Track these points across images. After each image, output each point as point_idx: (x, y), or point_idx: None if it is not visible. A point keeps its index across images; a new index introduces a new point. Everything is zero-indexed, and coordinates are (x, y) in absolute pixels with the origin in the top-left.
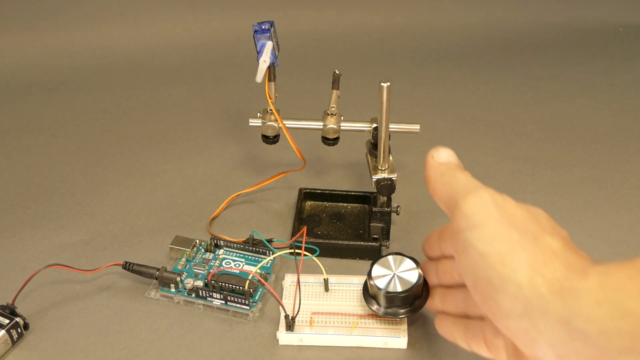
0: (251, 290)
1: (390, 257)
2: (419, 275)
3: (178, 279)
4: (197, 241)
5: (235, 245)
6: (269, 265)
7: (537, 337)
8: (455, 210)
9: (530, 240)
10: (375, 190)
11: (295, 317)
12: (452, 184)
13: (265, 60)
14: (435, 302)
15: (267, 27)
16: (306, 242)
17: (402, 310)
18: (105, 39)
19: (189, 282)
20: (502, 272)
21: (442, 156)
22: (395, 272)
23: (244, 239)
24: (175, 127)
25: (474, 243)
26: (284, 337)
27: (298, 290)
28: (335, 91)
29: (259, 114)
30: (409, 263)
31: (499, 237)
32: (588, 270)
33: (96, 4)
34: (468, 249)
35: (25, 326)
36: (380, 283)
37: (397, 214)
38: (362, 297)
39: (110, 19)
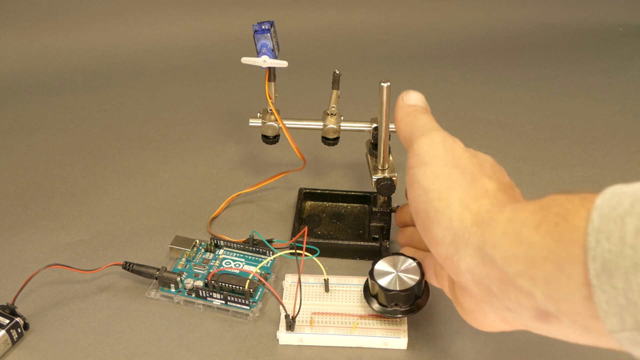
0: (251, 290)
1: (392, 257)
2: (420, 276)
3: (178, 279)
4: (197, 241)
5: (235, 245)
6: (269, 265)
7: (459, 262)
8: (410, 148)
9: (468, 180)
10: (375, 190)
11: (296, 317)
12: (413, 124)
13: (265, 61)
14: (404, 238)
15: (267, 27)
16: (306, 243)
17: (402, 310)
18: (105, 39)
19: (189, 282)
20: (438, 206)
21: (411, 98)
22: (397, 272)
23: (244, 239)
24: (175, 127)
25: (419, 179)
26: (284, 337)
27: (299, 290)
28: (335, 91)
29: (258, 114)
30: (410, 263)
31: (441, 175)
32: (507, 206)
33: (96, 4)
34: (414, 184)
35: (25, 326)
36: (382, 282)
37: None
38: (363, 296)
39: (110, 19)
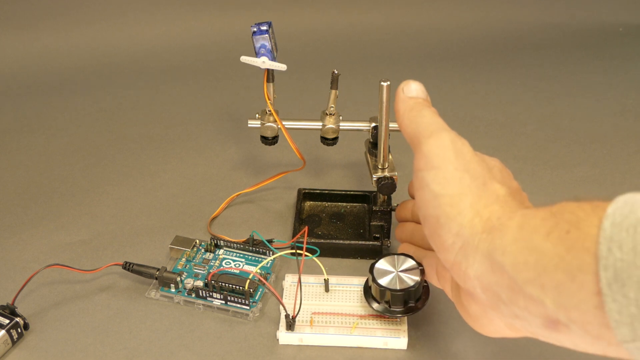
0: (251, 290)
1: (394, 257)
2: (420, 276)
3: (178, 279)
4: (197, 241)
5: (235, 245)
6: (269, 265)
7: (467, 269)
8: (417, 149)
9: (479, 185)
10: (374, 190)
11: (296, 316)
12: (418, 121)
13: (264, 62)
14: (404, 234)
15: (265, 28)
16: (307, 243)
17: (402, 309)
18: (105, 39)
19: (189, 282)
20: (449, 212)
21: (412, 90)
22: (397, 271)
23: (244, 239)
24: (175, 127)
25: (429, 183)
26: (284, 337)
27: (299, 290)
28: (333, 91)
29: (257, 115)
30: (411, 263)
31: (452, 180)
32: (517, 212)
33: (96, 4)
34: (423, 188)
35: (25, 326)
36: (382, 281)
37: None
38: (363, 296)
39: (110, 19)
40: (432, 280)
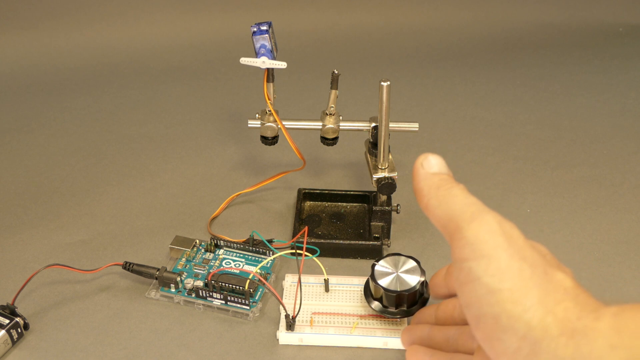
0: (251, 290)
1: (395, 257)
2: (421, 277)
3: (178, 279)
4: (197, 241)
5: (235, 245)
6: (269, 265)
7: None
8: (457, 235)
9: (541, 276)
10: (374, 190)
11: (296, 316)
12: (450, 202)
13: (264, 62)
14: (416, 335)
15: (265, 28)
16: (307, 243)
17: (402, 310)
18: (105, 39)
19: (189, 282)
20: (512, 310)
21: (433, 165)
22: (398, 272)
23: (244, 239)
24: (175, 127)
25: (481, 276)
26: (284, 337)
27: (299, 290)
28: (334, 91)
29: (257, 115)
30: (411, 264)
31: (510, 271)
32: (601, 311)
33: (96, 4)
34: (473, 282)
35: (25, 326)
36: (382, 282)
37: (397, 213)
38: (363, 297)
39: (110, 19)
40: None
